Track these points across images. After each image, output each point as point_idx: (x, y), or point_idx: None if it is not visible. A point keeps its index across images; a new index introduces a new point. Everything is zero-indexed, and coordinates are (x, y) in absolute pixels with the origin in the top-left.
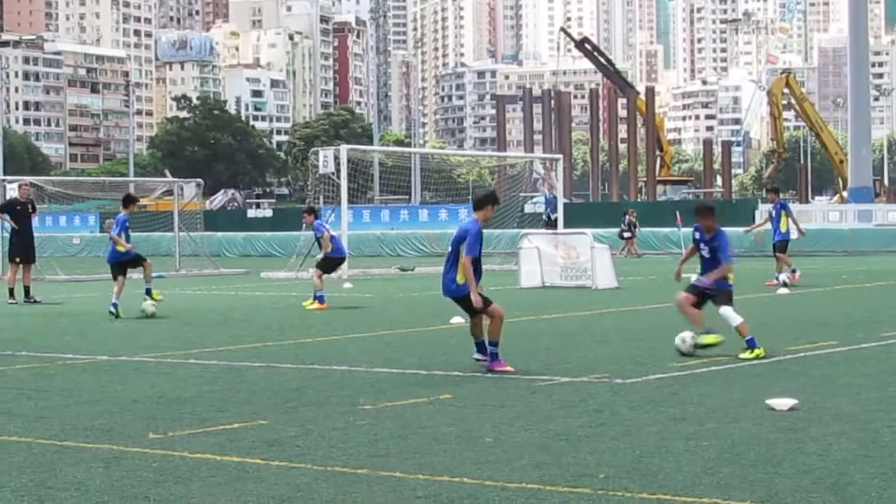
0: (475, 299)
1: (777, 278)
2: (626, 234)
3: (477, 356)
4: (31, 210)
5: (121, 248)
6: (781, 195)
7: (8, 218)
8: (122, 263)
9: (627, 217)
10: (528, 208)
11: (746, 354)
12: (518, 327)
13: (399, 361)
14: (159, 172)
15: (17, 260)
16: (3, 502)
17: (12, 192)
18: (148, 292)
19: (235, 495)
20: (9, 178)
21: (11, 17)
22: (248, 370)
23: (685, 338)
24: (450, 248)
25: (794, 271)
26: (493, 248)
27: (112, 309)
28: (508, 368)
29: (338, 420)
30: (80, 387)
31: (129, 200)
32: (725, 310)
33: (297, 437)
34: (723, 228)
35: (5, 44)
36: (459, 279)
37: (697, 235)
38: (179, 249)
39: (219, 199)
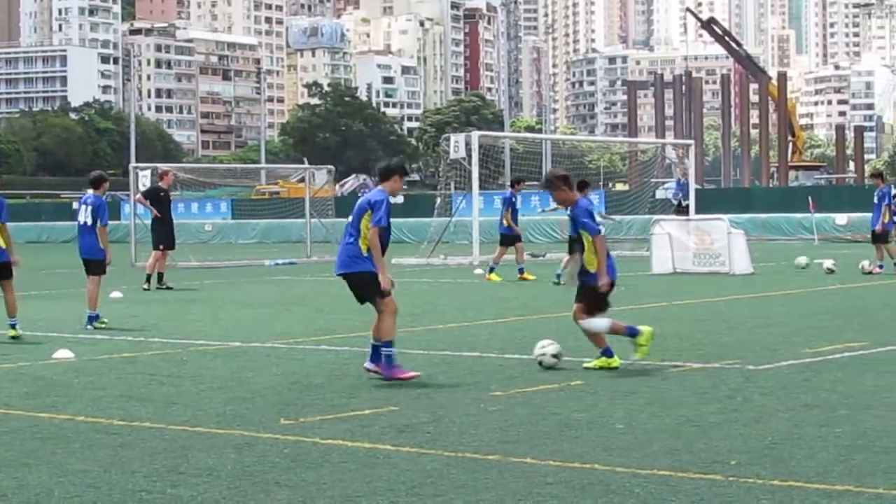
0: (385, 282)
1: (880, 266)
2: None
3: (369, 365)
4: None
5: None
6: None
7: (149, 204)
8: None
9: None
10: (660, 194)
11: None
12: (649, 313)
13: (530, 348)
14: (291, 159)
15: (162, 247)
16: (137, 487)
17: (144, 179)
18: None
19: (366, 481)
20: (141, 165)
21: (144, 6)
22: None
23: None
24: (351, 220)
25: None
26: (623, 233)
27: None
28: (410, 374)
29: (469, 406)
30: (212, 373)
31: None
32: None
33: (427, 423)
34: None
35: (138, 32)
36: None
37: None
38: (311, 236)
39: (350, 182)
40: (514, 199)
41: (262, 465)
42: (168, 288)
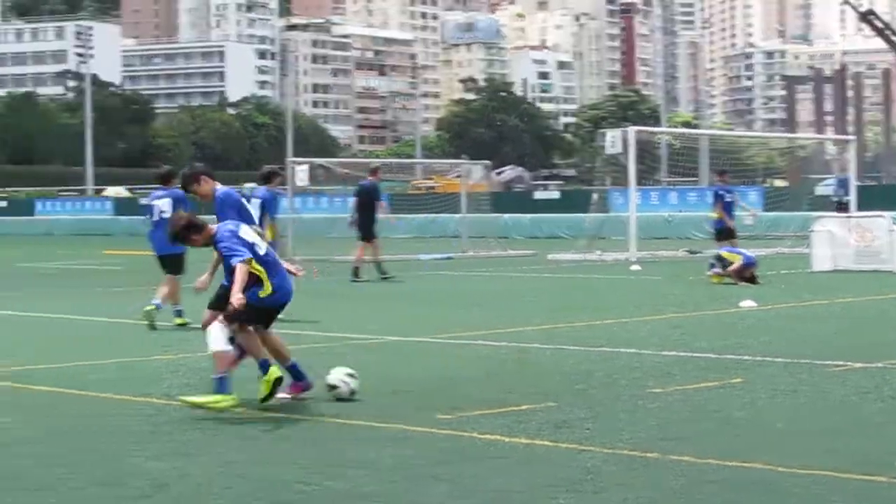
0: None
1: None
2: None
3: (283, 394)
4: None
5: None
6: None
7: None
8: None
9: None
10: (820, 190)
11: (197, 399)
12: (812, 312)
13: (688, 345)
14: (447, 154)
15: (371, 238)
16: (294, 479)
17: (302, 173)
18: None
19: (524, 476)
20: (298, 159)
21: (300, 1)
22: (537, 352)
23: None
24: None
25: None
26: (783, 230)
27: None
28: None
29: (626, 403)
30: (369, 367)
31: None
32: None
33: (585, 419)
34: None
35: (294, 27)
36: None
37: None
38: (467, 231)
39: (507, 172)
40: (722, 192)
41: (420, 459)
42: (391, 276)
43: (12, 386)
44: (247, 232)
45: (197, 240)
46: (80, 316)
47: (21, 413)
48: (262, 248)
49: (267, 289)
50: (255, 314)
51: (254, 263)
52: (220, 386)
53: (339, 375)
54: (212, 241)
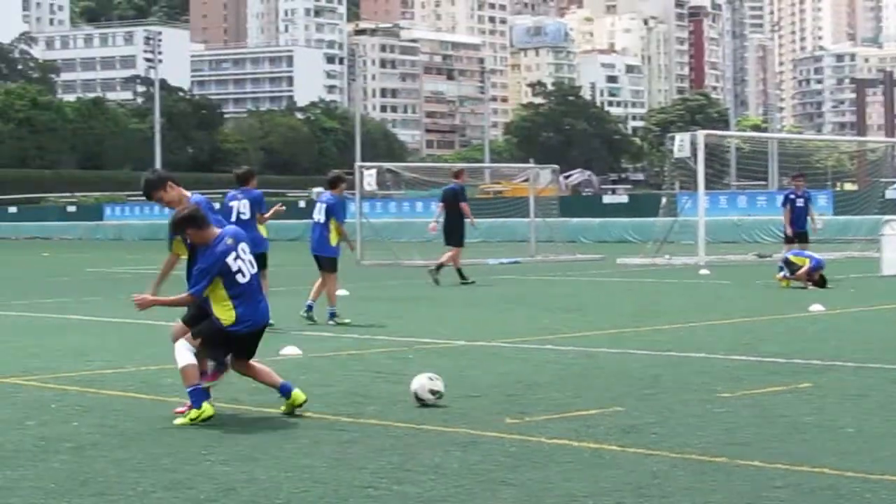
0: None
1: None
2: None
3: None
4: None
5: None
6: None
7: (442, 208)
8: None
9: None
10: (890, 194)
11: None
12: (881, 316)
13: (757, 349)
14: (515, 158)
15: (458, 244)
16: (363, 483)
17: (370, 178)
18: None
19: (592, 481)
20: (366, 164)
21: (368, 6)
22: (605, 356)
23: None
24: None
25: None
26: (853, 234)
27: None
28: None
29: (695, 407)
30: (437, 371)
31: None
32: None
33: (653, 423)
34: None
35: (362, 32)
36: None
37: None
38: (535, 235)
39: (575, 176)
40: (793, 197)
41: (488, 464)
42: (472, 282)
43: (85, 391)
44: (240, 255)
45: (191, 234)
46: (150, 321)
47: (93, 417)
48: (248, 276)
49: (229, 318)
50: (223, 339)
51: (221, 294)
52: (195, 399)
53: (413, 388)
54: (203, 246)
